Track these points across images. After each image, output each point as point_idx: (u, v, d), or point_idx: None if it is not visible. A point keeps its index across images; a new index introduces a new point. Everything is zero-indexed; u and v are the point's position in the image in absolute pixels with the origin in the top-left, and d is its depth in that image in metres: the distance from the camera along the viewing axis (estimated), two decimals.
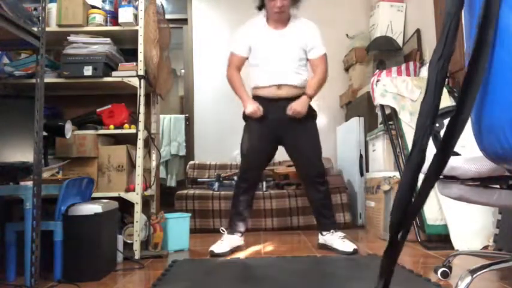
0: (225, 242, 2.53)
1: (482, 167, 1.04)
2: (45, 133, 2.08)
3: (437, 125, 1.55)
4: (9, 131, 2.09)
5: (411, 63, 3.34)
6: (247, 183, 2.60)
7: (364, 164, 3.66)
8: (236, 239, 2.59)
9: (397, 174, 2.87)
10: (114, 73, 2.45)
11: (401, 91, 2.91)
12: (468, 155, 1.20)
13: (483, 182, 1.08)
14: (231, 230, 2.61)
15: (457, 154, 1.32)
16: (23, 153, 1.98)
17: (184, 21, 4.80)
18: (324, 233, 2.57)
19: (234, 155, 4.15)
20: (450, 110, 1.52)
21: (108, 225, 2.05)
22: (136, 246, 2.34)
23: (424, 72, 3.17)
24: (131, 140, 2.44)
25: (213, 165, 4.24)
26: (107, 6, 2.55)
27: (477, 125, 0.81)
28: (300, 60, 2.57)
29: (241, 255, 2.46)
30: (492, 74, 0.73)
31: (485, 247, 2.39)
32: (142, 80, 2.42)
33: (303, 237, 3.13)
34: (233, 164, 4.17)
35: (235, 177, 2.75)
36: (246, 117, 2.63)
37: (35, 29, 1.81)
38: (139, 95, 2.41)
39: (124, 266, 2.19)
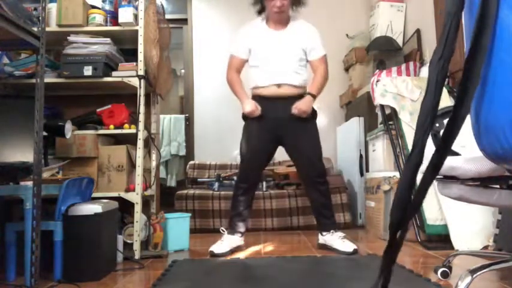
0: (225, 242, 2.53)
1: (482, 167, 1.04)
2: (45, 133, 2.08)
3: (437, 125, 1.56)
4: (9, 131, 2.09)
5: (411, 63, 3.34)
6: (247, 183, 2.60)
7: (364, 164, 3.66)
8: (236, 239, 2.59)
9: (397, 174, 2.87)
10: (114, 73, 2.45)
11: (401, 91, 2.91)
12: (468, 155, 1.20)
13: (483, 182, 1.08)
14: (231, 230, 2.61)
15: (457, 154, 1.32)
16: (23, 153, 1.98)
17: (184, 21, 4.80)
18: (324, 233, 2.57)
19: (234, 155, 4.15)
20: (450, 110, 1.52)
21: (108, 225, 2.05)
22: (136, 246, 2.34)
23: (424, 72, 3.17)
24: (131, 140, 2.44)
25: (213, 165, 4.24)
26: (107, 6, 2.55)
27: (477, 125, 0.81)
28: (300, 60, 2.58)
29: (241, 255, 2.46)
30: (492, 74, 0.73)
31: (485, 247, 2.39)
32: (142, 80, 2.42)
33: (303, 237, 3.13)
34: (233, 164, 4.17)
35: (235, 177, 2.74)
36: (245, 117, 2.63)
37: (35, 29, 1.81)
38: (139, 95, 2.41)
39: (124, 266, 2.19)
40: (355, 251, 2.39)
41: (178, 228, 2.67)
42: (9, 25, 1.60)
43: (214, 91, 4.54)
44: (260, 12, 2.65)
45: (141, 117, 2.41)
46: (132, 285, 1.85)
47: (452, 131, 0.69)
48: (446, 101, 2.74)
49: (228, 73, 2.67)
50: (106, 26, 2.52)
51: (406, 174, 0.74)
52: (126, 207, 2.44)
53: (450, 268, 1.74)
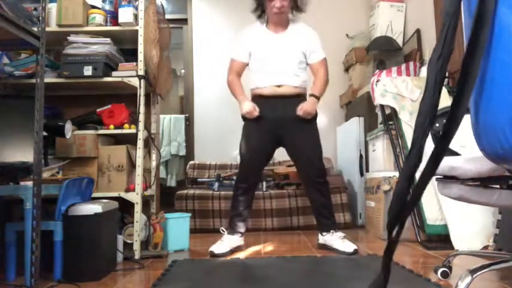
0: (225, 242, 2.53)
1: (482, 167, 1.04)
2: (45, 133, 2.08)
3: (437, 124, 1.55)
4: (9, 131, 2.09)
5: (411, 63, 3.34)
6: (246, 183, 2.60)
7: (364, 164, 3.66)
8: (236, 239, 2.59)
9: (397, 174, 2.87)
10: (114, 73, 2.45)
11: (401, 91, 2.91)
12: (468, 155, 1.20)
13: (483, 182, 1.08)
14: (231, 230, 2.61)
15: (457, 154, 1.32)
16: (23, 153, 1.98)
17: (184, 21, 4.80)
18: (324, 233, 2.57)
19: (234, 155, 4.15)
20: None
21: (108, 225, 2.05)
22: (136, 246, 2.34)
23: (424, 72, 3.17)
24: (131, 140, 2.44)
25: (213, 165, 4.24)
26: (107, 6, 2.55)
27: (477, 125, 0.81)
28: (299, 63, 2.58)
29: (241, 255, 2.46)
30: (492, 74, 0.73)
31: (485, 247, 2.39)
32: (142, 80, 2.42)
33: (303, 237, 3.13)
34: (233, 164, 4.17)
35: (235, 177, 2.75)
36: (245, 117, 2.63)
37: (35, 29, 1.81)
38: (139, 95, 2.41)
39: (124, 266, 2.19)
40: (355, 251, 2.39)
41: (178, 228, 2.67)
42: (9, 25, 1.60)
43: (214, 91, 4.54)
44: (260, 16, 2.66)
45: (141, 117, 2.41)
46: (132, 285, 1.85)
47: (451, 126, 0.69)
48: (446, 101, 2.73)
49: (229, 76, 2.67)
50: (106, 26, 2.52)
51: (404, 174, 0.74)
52: (126, 207, 2.44)
53: (450, 268, 1.74)
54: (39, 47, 1.81)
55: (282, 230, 3.50)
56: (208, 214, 3.51)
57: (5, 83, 2.39)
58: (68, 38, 2.43)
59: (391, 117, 2.96)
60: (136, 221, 2.35)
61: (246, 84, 2.67)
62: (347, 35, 4.47)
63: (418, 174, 0.76)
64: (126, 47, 2.65)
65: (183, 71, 5.11)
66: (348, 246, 2.42)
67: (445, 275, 1.72)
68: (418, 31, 3.67)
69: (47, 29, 2.05)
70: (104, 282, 1.90)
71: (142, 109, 2.42)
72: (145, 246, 2.53)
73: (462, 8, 0.81)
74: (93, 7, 2.54)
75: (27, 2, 2.37)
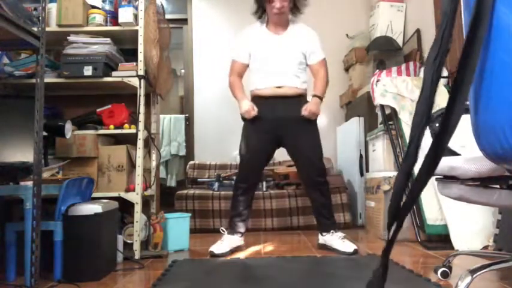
0: (225, 243, 2.53)
1: (482, 167, 1.04)
2: (45, 133, 2.08)
3: (436, 124, 1.55)
4: (9, 131, 2.09)
5: (411, 63, 3.34)
6: (246, 183, 2.60)
7: (364, 164, 3.66)
8: (236, 239, 2.59)
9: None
10: (114, 73, 2.45)
11: (401, 91, 2.91)
12: (468, 155, 1.20)
13: (483, 182, 1.08)
14: (231, 230, 2.61)
15: (457, 154, 1.32)
16: (23, 153, 1.99)
17: (184, 21, 4.80)
18: (324, 233, 2.57)
19: (234, 155, 4.15)
20: None
21: (108, 225, 2.05)
22: (136, 246, 2.34)
23: None
24: (131, 140, 2.44)
25: (213, 165, 4.24)
26: (107, 6, 2.56)
27: (477, 125, 0.81)
28: (299, 64, 2.58)
29: (241, 255, 2.46)
30: (491, 74, 0.73)
31: (485, 247, 2.39)
32: (142, 80, 2.42)
33: (303, 237, 3.13)
34: (233, 164, 4.17)
35: (235, 177, 2.75)
36: (245, 117, 2.63)
37: (35, 29, 1.81)
38: (139, 95, 2.41)
39: (124, 266, 2.19)
40: (355, 251, 2.39)
41: (178, 228, 2.67)
42: (9, 25, 1.60)
43: (214, 91, 4.54)
44: (260, 17, 2.66)
45: (141, 117, 2.41)
46: (132, 285, 1.85)
47: (445, 132, 0.69)
48: (446, 101, 2.74)
49: (230, 77, 2.68)
50: (106, 26, 2.52)
51: (402, 171, 0.74)
52: (126, 207, 2.44)
53: (450, 268, 1.74)
54: (39, 47, 1.81)
55: (282, 230, 3.50)
56: (208, 214, 3.51)
57: (5, 83, 2.39)
58: (68, 38, 2.43)
59: (391, 117, 2.96)
60: (136, 221, 2.35)
61: (246, 85, 2.67)
62: (347, 35, 4.47)
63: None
64: (126, 47, 2.65)
65: (183, 71, 5.11)
66: (348, 246, 2.42)
67: (445, 275, 1.72)
68: (418, 31, 3.67)
69: (47, 29, 2.05)
70: (104, 282, 1.90)
71: (142, 109, 2.42)
72: (145, 246, 2.53)
73: (462, 8, 0.81)
74: (93, 7, 2.54)
75: (27, 2, 2.37)
